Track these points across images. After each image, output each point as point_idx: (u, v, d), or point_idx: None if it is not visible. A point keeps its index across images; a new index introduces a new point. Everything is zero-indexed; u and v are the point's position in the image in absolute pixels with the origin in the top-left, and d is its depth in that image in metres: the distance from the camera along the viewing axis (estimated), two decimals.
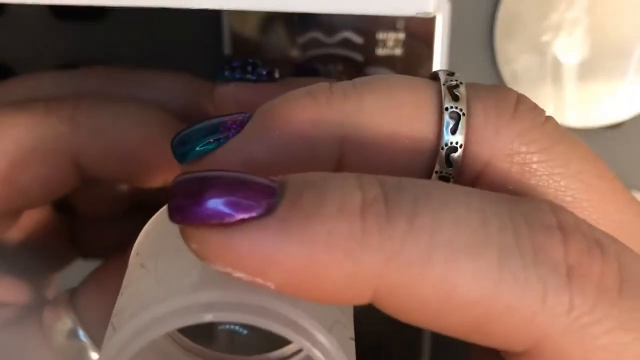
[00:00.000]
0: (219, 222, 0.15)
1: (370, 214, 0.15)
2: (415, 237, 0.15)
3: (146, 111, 0.26)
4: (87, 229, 0.30)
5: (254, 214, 0.15)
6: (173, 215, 0.16)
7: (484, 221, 0.16)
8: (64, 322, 0.26)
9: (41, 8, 0.33)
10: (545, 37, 0.31)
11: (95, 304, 0.26)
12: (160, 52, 0.33)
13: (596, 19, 0.31)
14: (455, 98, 0.18)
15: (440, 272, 0.15)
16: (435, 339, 0.32)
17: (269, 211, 0.15)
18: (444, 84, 0.19)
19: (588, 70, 0.31)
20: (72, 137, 0.25)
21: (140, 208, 0.29)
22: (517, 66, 0.31)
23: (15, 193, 0.25)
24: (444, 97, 0.18)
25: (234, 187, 0.16)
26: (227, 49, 0.31)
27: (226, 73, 0.23)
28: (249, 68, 0.23)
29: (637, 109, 0.32)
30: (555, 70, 0.31)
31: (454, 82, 0.19)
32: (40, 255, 0.29)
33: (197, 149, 0.19)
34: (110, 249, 0.29)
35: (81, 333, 0.26)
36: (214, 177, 0.16)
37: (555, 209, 0.17)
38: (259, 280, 0.15)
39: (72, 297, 0.27)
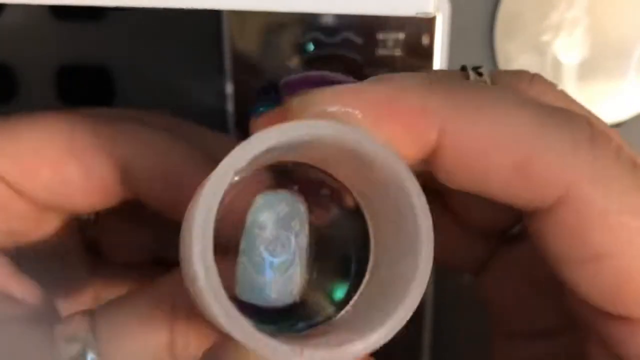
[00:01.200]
0: None
1: (436, 82, 0.19)
2: (474, 92, 0.19)
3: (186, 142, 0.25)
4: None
5: None
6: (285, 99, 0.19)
7: (523, 98, 0.19)
8: (76, 343, 0.25)
9: (41, 8, 0.33)
10: (545, 37, 0.31)
11: (115, 334, 0.25)
12: (160, 52, 0.33)
13: (596, 19, 0.31)
14: None
15: (491, 113, 0.19)
16: (435, 338, 0.32)
17: None
18: None
19: (588, 70, 0.31)
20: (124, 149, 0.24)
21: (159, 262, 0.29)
22: (517, 66, 0.31)
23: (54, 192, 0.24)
24: None
25: (321, 84, 0.19)
26: (227, 49, 0.31)
27: (261, 109, 0.22)
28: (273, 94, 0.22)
29: (637, 109, 0.32)
30: (555, 70, 0.31)
31: None
32: (64, 267, 0.28)
33: (260, 109, 0.20)
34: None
35: (90, 358, 0.25)
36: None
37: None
38: (349, 108, 0.19)
39: (91, 321, 0.24)
